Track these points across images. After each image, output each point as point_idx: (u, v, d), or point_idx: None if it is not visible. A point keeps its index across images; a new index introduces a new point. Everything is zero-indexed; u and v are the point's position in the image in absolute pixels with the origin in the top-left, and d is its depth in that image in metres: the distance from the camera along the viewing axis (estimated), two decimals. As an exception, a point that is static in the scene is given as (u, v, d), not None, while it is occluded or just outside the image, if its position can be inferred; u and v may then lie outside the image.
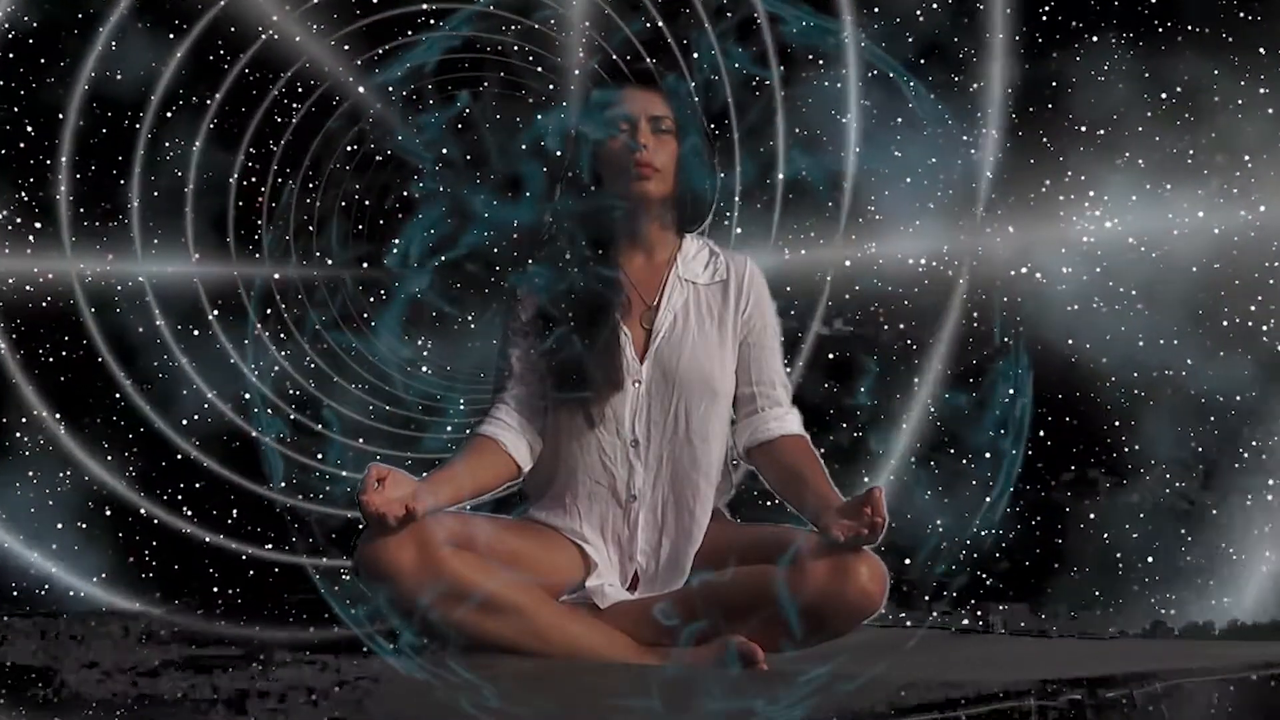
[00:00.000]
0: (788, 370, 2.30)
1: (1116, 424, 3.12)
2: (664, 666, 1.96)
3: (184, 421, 3.67)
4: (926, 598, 2.43)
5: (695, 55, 3.23)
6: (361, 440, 3.68)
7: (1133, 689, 1.69)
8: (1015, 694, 1.63)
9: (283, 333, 4.13)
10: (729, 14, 3.21)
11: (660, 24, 3.38)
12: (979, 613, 2.68)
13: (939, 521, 2.81)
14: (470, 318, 4.58)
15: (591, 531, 2.14)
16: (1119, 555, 2.97)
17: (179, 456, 3.62)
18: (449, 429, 3.97)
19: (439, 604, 1.92)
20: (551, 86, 4.13)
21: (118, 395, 3.59)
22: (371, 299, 4.67)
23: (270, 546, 3.58)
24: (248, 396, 3.81)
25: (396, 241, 4.40)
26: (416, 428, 4.05)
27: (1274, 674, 1.78)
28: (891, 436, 3.06)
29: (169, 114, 3.72)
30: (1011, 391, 1.96)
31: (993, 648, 2.41)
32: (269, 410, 3.79)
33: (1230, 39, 3.11)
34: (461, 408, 4.19)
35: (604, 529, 2.14)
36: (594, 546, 2.14)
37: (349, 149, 4.39)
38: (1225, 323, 3.08)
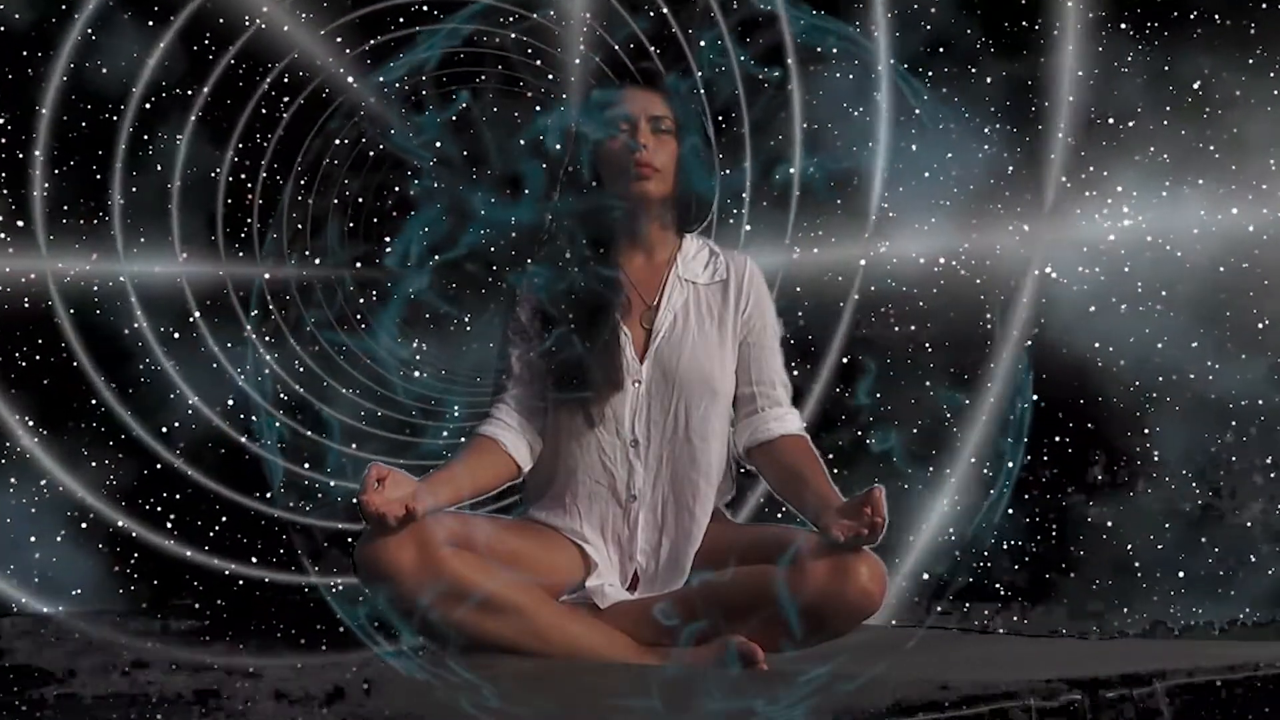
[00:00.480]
0: (793, 373, 2.44)
1: (1136, 428, 3.24)
2: (664, 666, 2.06)
3: (164, 430, 3.70)
4: (931, 606, 2.57)
5: (703, 44, 3.34)
6: (355, 446, 3.78)
7: (1133, 689, 1.73)
8: (1015, 694, 1.68)
9: (267, 335, 4.21)
10: (734, 4, 3.34)
11: (667, 12, 3.49)
12: (984, 613, 2.82)
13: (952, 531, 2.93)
14: (466, 319, 4.68)
15: (591, 531, 2.25)
16: (1137, 560, 3.10)
17: (159, 466, 3.67)
18: (444, 434, 3.99)
19: (439, 604, 2.02)
20: (550, 76, 4.22)
21: (94, 402, 3.63)
22: (361, 300, 4.76)
23: (255, 560, 3.67)
24: (233, 402, 3.89)
25: (390, 241, 4.49)
26: (412, 432, 4.10)
27: (1274, 674, 1.84)
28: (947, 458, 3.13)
29: (148, 106, 3.75)
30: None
31: (993, 648, 2.48)
32: (255, 416, 3.87)
33: (1255, 32, 3.23)
34: (457, 414, 4.29)
35: (604, 529, 2.25)
36: (594, 546, 2.25)
37: (337, 141, 4.46)
38: (1259, 324, 3.20)
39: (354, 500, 2.05)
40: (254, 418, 3.78)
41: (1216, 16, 3.26)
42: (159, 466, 3.70)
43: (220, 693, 1.80)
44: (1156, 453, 3.19)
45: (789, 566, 2.04)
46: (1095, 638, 2.54)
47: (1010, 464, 2.13)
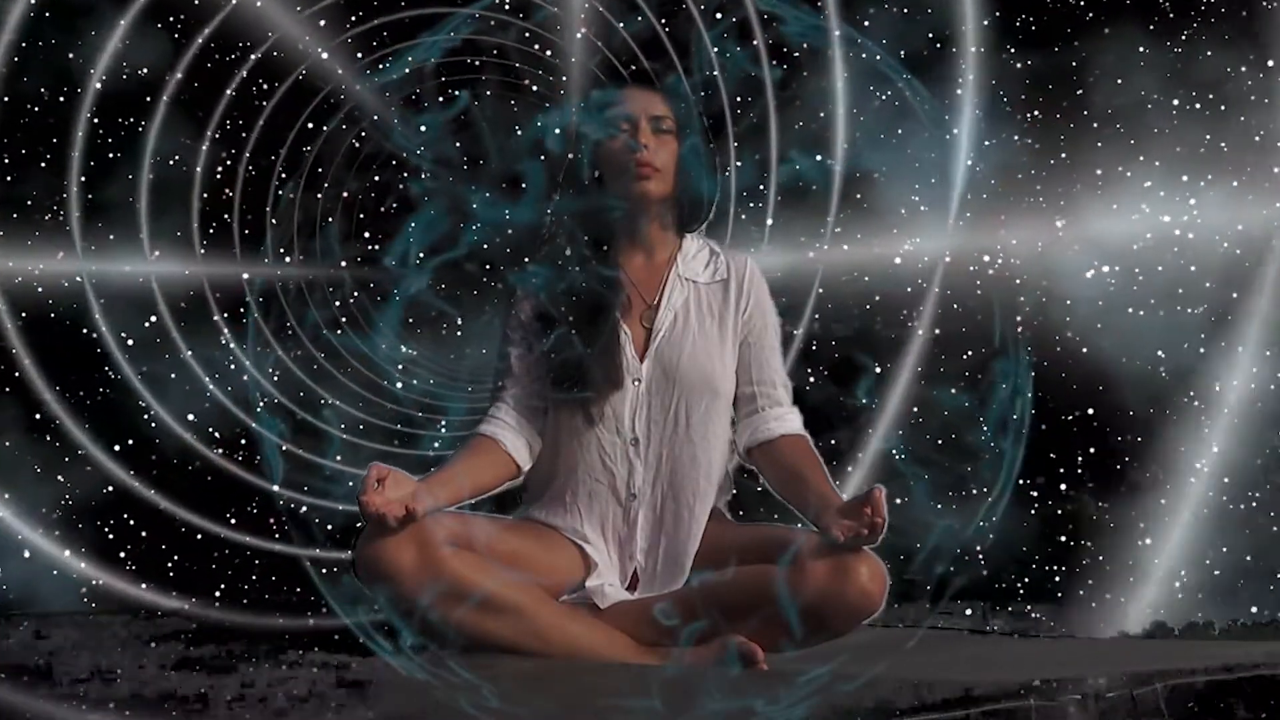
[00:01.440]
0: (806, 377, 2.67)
1: (1144, 428, 3.47)
2: (664, 666, 2.25)
3: (115, 445, 3.82)
4: (927, 604, 2.82)
5: (720, 18, 3.57)
6: (339, 459, 3.98)
7: (1132, 689, 1.90)
8: (1015, 694, 1.86)
9: (231, 340, 4.36)
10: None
11: (700, 13, 3.70)
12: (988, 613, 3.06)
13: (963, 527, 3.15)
14: (459, 321, 4.87)
15: (591, 530, 2.45)
16: (1146, 560, 3.34)
17: (110, 488, 3.77)
18: (436, 445, 4.17)
19: (439, 604, 2.21)
20: (551, 54, 4.42)
21: (39, 416, 3.73)
22: (338, 303, 4.94)
23: (220, 595, 3.84)
24: (199, 413, 4.08)
25: (387, 240, 4.64)
26: (401, 443, 4.24)
27: (1274, 674, 1.99)
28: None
29: (100, 85, 3.82)
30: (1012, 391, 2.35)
31: (993, 648, 2.68)
32: (221, 432, 4.04)
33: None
34: (442, 428, 4.48)
35: (604, 528, 2.46)
36: (594, 546, 2.45)
37: (310, 126, 4.62)
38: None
39: (355, 500, 2.23)
40: (251, 423, 3.95)
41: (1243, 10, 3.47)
42: (109, 487, 3.79)
43: (219, 692, 1.98)
44: (1163, 450, 3.42)
45: (789, 566, 2.23)
46: (1095, 638, 2.78)
47: (1003, 463, 2.38)
